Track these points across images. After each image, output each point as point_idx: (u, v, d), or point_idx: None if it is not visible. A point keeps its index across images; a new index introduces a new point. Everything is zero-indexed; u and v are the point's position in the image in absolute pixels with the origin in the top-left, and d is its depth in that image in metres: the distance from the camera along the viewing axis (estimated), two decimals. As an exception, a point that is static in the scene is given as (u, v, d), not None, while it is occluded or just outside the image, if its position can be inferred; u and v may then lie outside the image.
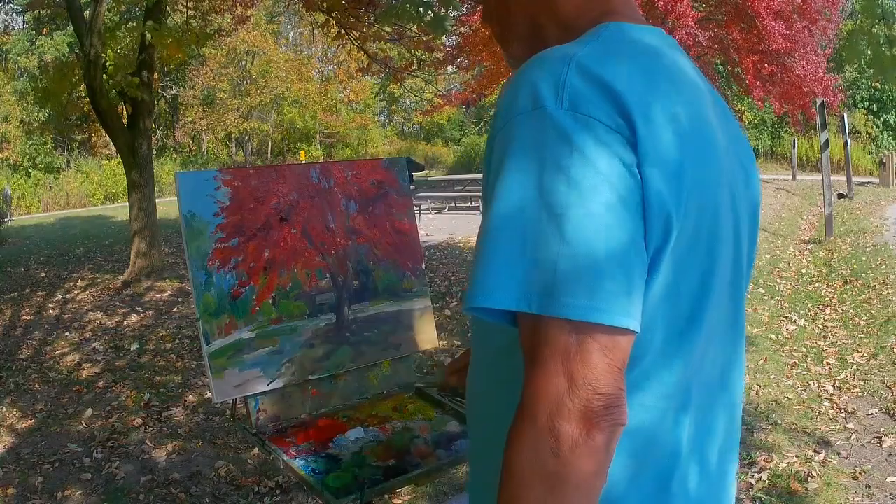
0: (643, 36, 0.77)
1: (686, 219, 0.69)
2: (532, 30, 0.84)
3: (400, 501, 2.86)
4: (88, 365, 4.83)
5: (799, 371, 4.35)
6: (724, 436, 0.83)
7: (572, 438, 0.62)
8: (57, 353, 5.16)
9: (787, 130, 24.32)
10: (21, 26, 24.69)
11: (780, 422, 3.54)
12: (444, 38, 12.08)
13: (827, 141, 9.19)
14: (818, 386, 4.06)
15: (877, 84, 23.97)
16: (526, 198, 0.65)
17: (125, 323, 5.98)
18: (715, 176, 0.74)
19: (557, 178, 0.64)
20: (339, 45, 8.55)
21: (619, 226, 0.64)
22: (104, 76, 6.97)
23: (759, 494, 2.81)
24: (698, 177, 0.70)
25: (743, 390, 0.87)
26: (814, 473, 2.97)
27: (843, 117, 13.41)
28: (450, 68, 15.88)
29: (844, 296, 6.08)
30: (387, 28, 6.92)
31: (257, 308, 1.51)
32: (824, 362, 4.47)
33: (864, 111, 24.20)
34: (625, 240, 0.64)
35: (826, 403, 3.79)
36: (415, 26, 5.82)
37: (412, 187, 5.87)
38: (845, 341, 4.85)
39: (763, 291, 6.47)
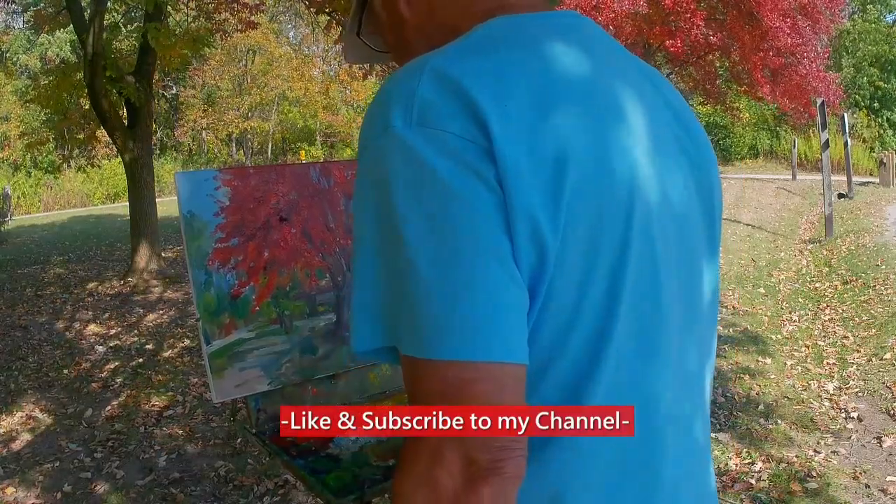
0: (531, 24, 0.66)
1: (571, 230, 0.59)
2: (419, 37, 0.74)
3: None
4: (89, 365, 4.84)
5: (799, 371, 4.35)
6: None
7: (452, 491, 0.54)
8: (57, 353, 5.17)
9: (786, 129, 24.34)
10: (21, 26, 24.68)
11: (780, 422, 3.54)
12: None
13: (827, 141, 9.20)
14: (818, 386, 4.06)
15: (880, 84, 24.02)
16: (383, 235, 0.59)
17: (125, 323, 5.98)
18: (622, 177, 0.62)
19: (409, 209, 0.58)
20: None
21: (481, 250, 0.56)
22: (104, 76, 6.97)
23: (759, 494, 2.81)
24: (589, 180, 0.60)
25: (707, 430, 0.77)
26: (814, 473, 2.97)
27: (843, 117, 13.41)
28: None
29: (844, 296, 6.08)
30: None
31: (257, 308, 1.51)
32: (824, 362, 4.47)
33: (866, 111, 24.21)
34: (490, 264, 0.56)
35: (826, 403, 3.79)
36: None
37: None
38: (845, 341, 4.85)
39: (763, 291, 6.47)
